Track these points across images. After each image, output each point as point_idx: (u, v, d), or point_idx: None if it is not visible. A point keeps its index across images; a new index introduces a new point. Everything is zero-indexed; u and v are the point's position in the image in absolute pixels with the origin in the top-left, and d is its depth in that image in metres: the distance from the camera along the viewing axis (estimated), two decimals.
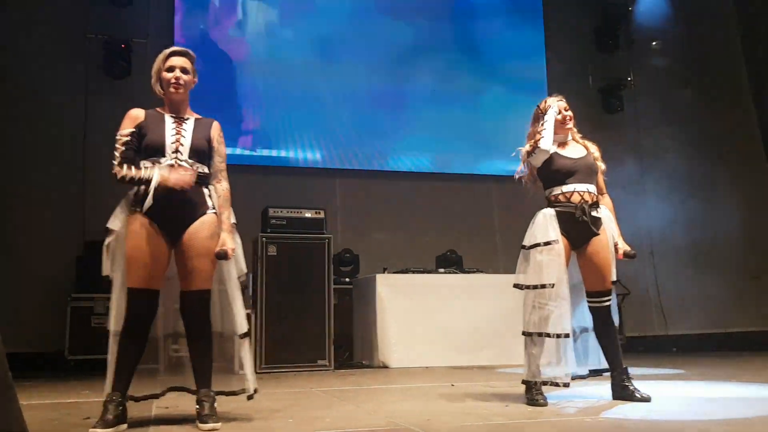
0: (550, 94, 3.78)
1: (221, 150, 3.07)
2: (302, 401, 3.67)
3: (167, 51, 3.02)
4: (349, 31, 7.68)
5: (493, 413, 3.11)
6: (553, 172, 3.54)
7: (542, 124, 3.54)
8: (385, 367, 5.68)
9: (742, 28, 8.63)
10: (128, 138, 2.88)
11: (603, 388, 3.59)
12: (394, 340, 5.72)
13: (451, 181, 7.88)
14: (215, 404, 2.84)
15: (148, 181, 2.79)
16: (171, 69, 2.97)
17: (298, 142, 7.38)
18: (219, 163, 3.05)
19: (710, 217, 7.45)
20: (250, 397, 2.99)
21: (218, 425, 2.74)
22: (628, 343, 7.52)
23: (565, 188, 3.51)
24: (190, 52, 3.05)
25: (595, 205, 3.54)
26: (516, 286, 3.51)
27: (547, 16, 8.34)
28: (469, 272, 6.56)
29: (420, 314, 5.84)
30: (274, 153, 7.32)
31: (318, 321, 5.64)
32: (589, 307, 3.54)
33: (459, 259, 7.06)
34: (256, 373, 5.25)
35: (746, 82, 8.74)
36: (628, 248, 3.56)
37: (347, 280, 6.69)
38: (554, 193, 3.54)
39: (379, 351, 5.75)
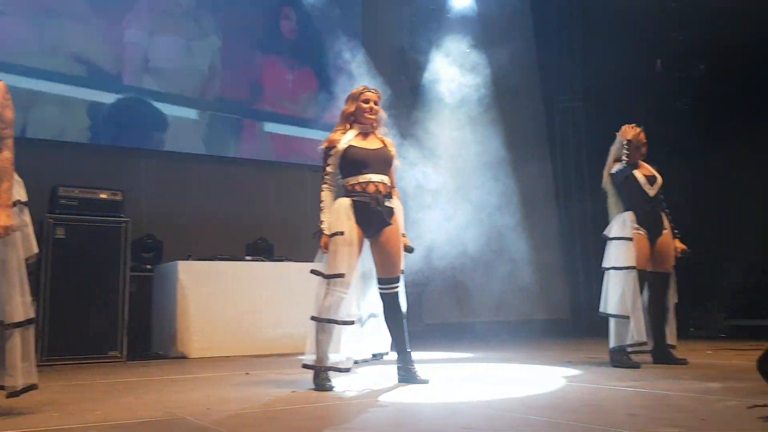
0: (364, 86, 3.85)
1: (6, 115, 2.76)
2: (77, 394, 3.44)
3: None
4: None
5: (277, 400, 3.13)
6: (350, 163, 3.63)
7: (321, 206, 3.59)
8: (184, 357, 5.49)
9: (540, 69, 9.45)
10: None
11: (392, 372, 3.74)
12: (193, 330, 5.54)
13: (265, 168, 7.78)
14: None
15: None
16: None
17: (101, 117, 6.84)
18: (2, 129, 2.75)
19: (504, 230, 7.99)
20: (13, 394, 2.73)
21: None
22: (428, 330, 7.95)
23: (361, 178, 3.61)
24: None
25: (389, 196, 3.68)
26: (313, 272, 3.55)
27: (365, 10, 8.49)
28: (277, 260, 6.54)
29: (223, 303, 5.70)
30: (73, 127, 6.69)
31: (111, 310, 5.30)
32: (380, 294, 3.68)
33: (270, 247, 7.01)
34: (37, 365, 4.93)
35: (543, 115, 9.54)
36: (408, 243, 3.75)
37: (149, 267, 6.36)
38: (350, 182, 3.63)
39: (178, 341, 5.54)
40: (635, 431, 2.30)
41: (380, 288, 3.67)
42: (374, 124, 3.78)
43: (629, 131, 4.57)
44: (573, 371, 4.14)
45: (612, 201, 4.65)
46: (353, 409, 2.91)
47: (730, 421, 2.49)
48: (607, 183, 4.64)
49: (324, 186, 3.62)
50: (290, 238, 7.33)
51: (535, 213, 8.58)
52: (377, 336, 3.70)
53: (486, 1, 8.80)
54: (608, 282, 4.44)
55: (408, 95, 8.37)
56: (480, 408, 2.86)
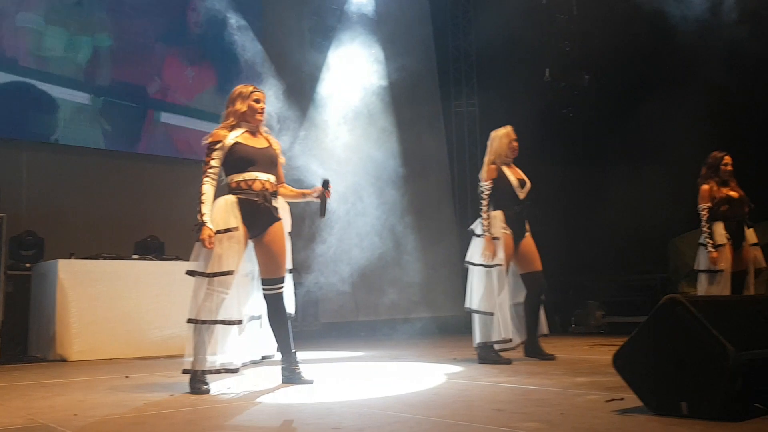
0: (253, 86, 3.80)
1: None
2: None
3: None
4: None
5: (151, 404, 3.05)
6: (236, 160, 3.58)
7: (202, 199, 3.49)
8: (63, 360, 5.25)
9: (439, 75, 9.64)
10: None
11: (277, 373, 3.72)
12: (74, 332, 5.30)
13: (159, 162, 7.55)
14: None
15: None
16: None
17: None
18: None
19: (401, 232, 8.11)
20: None
21: None
22: (324, 329, 7.98)
23: (247, 175, 3.56)
24: None
25: (275, 194, 3.66)
26: (190, 273, 3.46)
27: (265, 8, 8.38)
28: (167, 259, 6.36)
29: (107, 303, 5.49)
30: None
31: None
32: (264, 294, 3.64)
33: (160, 246, 6.80)
34: None
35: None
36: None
37: (28, 265, 6.03)
38: (236, 179, 3.57)
39: (57, 343, 5.29)
40: (497, 426, 2.40)
41: (264, 289, 3.63)
42: (260, 124, 3.75)
43: (503, 144, 4.69)
44: (455, 368, 4.26)
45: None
46: (228, 411, 2.88)
47: (587, 414, 2.64)
48: (482, 180, 4.69)
49: (206, 179, 3.52)
50: (183, 236, 7.12)
51: (431, 216, 8.79)
52: (264, 337, 3.67)
53: (386, 6, 8.90)
54: (472, 278, 4.48)
55: (307, 100, 8.35)
56: (356, 407, 2.89)
